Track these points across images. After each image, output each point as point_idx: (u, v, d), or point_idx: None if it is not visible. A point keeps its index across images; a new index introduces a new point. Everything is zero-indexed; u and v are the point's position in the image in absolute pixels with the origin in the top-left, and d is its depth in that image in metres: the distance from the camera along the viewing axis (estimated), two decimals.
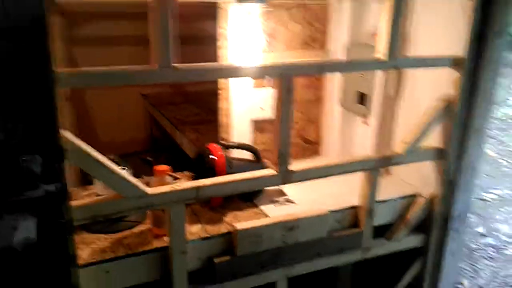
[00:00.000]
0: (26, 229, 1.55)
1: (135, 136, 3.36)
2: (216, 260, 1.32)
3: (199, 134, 2.36)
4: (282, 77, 1.19)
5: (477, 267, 2.57)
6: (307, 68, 1.23)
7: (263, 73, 1.18)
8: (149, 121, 3.37)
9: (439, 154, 1.50)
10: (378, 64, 1.29)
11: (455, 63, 1.38)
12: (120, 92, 3.10)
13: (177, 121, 2.66)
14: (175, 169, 1.84)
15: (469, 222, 3.05)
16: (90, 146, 1.09)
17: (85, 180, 1.66)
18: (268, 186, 1.44)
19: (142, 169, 1.71)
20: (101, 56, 2.96)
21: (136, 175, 1.65)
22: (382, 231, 1.59)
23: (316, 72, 1.23)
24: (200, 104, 2.99)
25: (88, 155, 1.07)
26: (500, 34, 1.39)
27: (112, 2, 2.34)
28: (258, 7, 1.69)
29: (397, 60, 1.29)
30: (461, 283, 2.40)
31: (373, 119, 1.75)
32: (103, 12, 2.92)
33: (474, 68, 1.41)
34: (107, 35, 3.03)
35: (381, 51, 1.27)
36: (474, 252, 2.72)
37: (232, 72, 1.16)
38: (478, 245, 2.80)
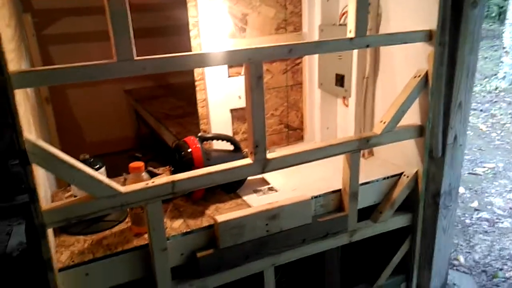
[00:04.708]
0: (19, 234, 1.53)
1: (122, 134, 3.32)
2: (199, 254, 1.30)
3: (182, 127, 2.32)
4: (251, 63, 1.15)
5: (472, 242, 2.56)
6: (275, 51, 1.19)
7: (230, 60, 1.14)
8: (135, 117, 3.32)
9: (419, 131, 1.47)
10: (347, 44, 1.25)
11: (427, 37, 1.35)
12: (102, 89, 3.06)
13: (160, 115, 2.62)
14: (162, 165, 1.82)
15: (463, 198, 3.05)
16: (59, 147, 1.05)
17: None
18: (245, 176, 1.41)
19: None
20: (78, 53, 2.91)
21: (120, 173, 1.63)
22: (368, 213, 1.57)
23: (284, 55, 1.19)
24: (183, 96, 2.94)
25: (54, 156, 1.04)
26: (476, 4, 1.35)
27: None
28: None
29: (367, 38, 1.25)
30: (457, 259, 2.40)
31: (352, 100, 1.71)
32: (76, 8, 2.86)
33: (451, 41, 1.37)
34: (82, 31, 2.96)
35: (351, 30, 1.23)
36: (469, 228, 2.71)
37: (196, 61, 1.12)
38: (472, 220, 2.79)
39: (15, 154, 1.03)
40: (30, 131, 1.14)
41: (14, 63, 1.18)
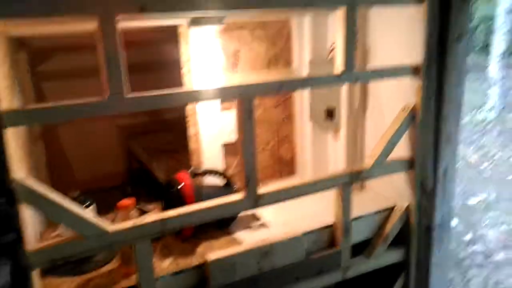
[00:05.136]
0: (6, 274, 1.47)
1: (114, 170, 3.26)
2: None
3: (173, 162, 2.31)
4: (242, 98, 1.16)
5: (467, 276, 2.52)
6: (266, 87, 1.20)
7: (221, 96, 1.15)
8: (127, 153, 3.30)
9: (409, 164, 1.47)
10: (336, 79, 1.27)
11: (414, 71, 1.38)
12: (94, 125, 3.04)
13: (152, 150, 2.60)
14: (153, 200, 1.80)
15: (456, 231, 3.02)
16: (48, 185, 1.04)
17: None
18: (237, 212, 1.39)
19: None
20: (71, 89, 2.90)
21: (112, 209, 1.60)
22: (362, 248, 1.55)
23: (275, 90, 1.21)
24: (175, 131, 2.94)
25: (41, 195, 1.02)
26: (460, 38, 1.39)
27: (75, 34, 2.31)
28: (217, 29, 1.68)
29: (355, 74, 1.28)
30: None
31: (342, 134, 1.73)
32: (69, 45, 2.89)
33: (438, 74, 1.40)
34: (75, 68, 2.98)
35: (339, 65, 1.26)
36: (463, 261, 2.68)
37: (188, 97, 1.13)
38: (466, 254, 2.76)
39: (2, 193, 1.01)
40: (19, 168, 1.13)
41: (7, 101, 1.18)
